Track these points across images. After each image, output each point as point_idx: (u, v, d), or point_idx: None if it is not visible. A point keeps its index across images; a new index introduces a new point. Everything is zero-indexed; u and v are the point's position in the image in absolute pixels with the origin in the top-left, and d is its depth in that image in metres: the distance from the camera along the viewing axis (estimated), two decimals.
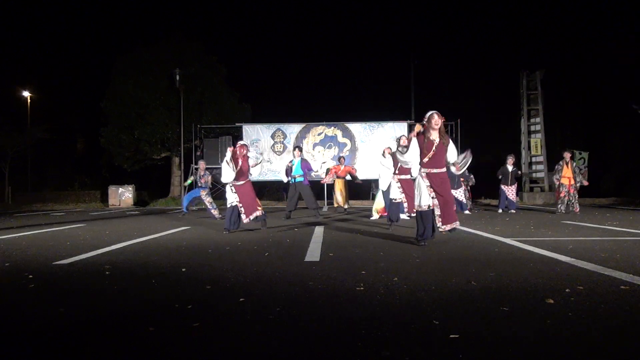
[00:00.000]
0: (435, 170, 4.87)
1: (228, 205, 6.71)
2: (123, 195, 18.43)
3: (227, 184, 6.68)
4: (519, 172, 12.23)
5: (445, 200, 4.86)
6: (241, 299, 2.79)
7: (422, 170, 4.93)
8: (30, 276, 3.63)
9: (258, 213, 6.70)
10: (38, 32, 34.87)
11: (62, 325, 2.37)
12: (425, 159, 4.86)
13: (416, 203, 5.03)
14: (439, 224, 4.86)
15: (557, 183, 10.16)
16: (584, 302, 2.63)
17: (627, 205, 13.84)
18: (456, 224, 4.92)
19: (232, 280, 3.38)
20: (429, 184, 4.86)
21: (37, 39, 33.93)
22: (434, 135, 4.84)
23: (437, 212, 4.86)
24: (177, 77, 17.91)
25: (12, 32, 33.24)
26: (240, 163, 6.60)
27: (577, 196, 10.08)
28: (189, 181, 10.27)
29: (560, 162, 10.18)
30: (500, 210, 11.17)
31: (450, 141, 4.98)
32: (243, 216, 6.60)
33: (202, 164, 10.39)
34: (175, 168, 20.69)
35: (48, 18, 36.28)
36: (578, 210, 10.00)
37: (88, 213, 13.79)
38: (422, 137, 4.90)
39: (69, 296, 3.01)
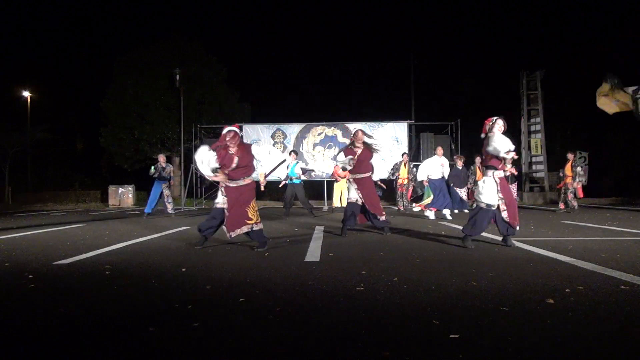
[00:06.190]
0: (359, 176, 6.16)
1: (214, 207, 5.07)
2: (123, 195, 18.44)
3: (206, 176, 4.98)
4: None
5: (368, 199, 6.11)
6: (241, 299, 2.79)
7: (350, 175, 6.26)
8: (30, 276, 3.63)
9: (245, 229, 4.87)
10: (38, 32, 34.90)
11: (62, 325, 2.37)
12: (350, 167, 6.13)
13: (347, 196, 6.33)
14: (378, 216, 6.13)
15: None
16: (584, 302, 2.63)
17: (627, 205, 13.84)
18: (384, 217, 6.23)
19: (232, 280, 3.38)
20: (356, 186, 6.16)
21: (37, 39, 33.94)
22: (358, 145, 6.12)
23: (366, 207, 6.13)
24: (177, 77, 17.89)
25: (12, 32, 33.27)
26: (224, 156, 4.81)
27: (575, 194, 10.26)
28: (152, 170, 10.66)
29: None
30: None
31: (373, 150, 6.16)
32: (224, 228, 4.86)
33: (161, 157, 10.91)
34: (175, 168, 20.68)
35: (48, 18, 36.32)
36: (575, 206, 10.25)
37: (88, 213, 13.78)
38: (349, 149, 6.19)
39: (69, 296, 3.01)
